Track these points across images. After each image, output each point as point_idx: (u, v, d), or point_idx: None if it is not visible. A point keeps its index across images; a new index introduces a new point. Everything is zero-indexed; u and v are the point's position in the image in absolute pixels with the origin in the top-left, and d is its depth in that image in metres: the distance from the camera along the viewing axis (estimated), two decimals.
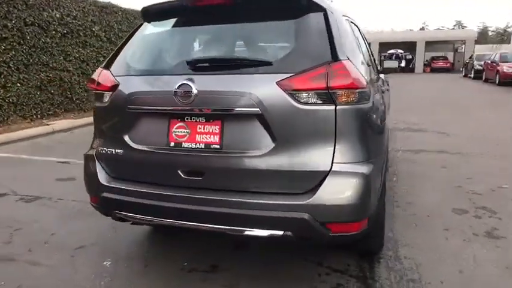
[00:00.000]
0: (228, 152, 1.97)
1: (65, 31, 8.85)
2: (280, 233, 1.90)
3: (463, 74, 24.94)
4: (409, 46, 32.74)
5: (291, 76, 1.88)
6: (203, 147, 2.01)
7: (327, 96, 1.85)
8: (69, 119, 8.77)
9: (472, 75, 21.38)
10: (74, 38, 9.14)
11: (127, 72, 2.26)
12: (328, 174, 1.87)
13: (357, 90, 1.91)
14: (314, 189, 1.88)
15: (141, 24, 2.47)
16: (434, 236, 2.96)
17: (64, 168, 5.14)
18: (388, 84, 4.37)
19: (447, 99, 12.49)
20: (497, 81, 16.60)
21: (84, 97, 9.59)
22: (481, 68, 19.56)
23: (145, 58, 2.36)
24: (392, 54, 25.00)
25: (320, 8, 2.06)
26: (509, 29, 61.90)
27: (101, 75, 2.29)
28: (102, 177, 2.24)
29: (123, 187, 2.16)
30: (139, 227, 3.09)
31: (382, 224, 2.58)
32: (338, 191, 1.88)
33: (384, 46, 31.26)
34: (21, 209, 3.66)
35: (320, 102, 1.86)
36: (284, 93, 1.87)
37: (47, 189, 4.20)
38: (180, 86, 1.97)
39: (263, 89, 1.90)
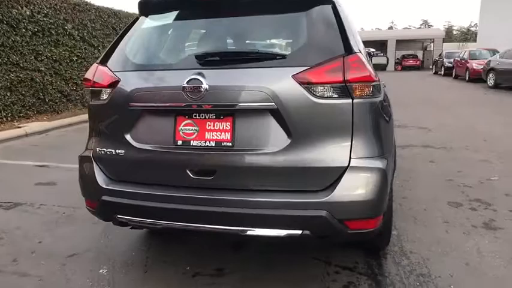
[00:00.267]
0: (241, 149, 1.87)
1: (36, 29, 8.43)
2: (299, 232, 1.82)
3: (433, 71, 25.70)
4: (380, 45, 33.46)
5: (306, 69, 1.80)
6: (214, 145, 1.90)
7: (344, 89, 1.79)
8: (42, 121, 8.36)
9: (443, 73, 22.07)
10: (45, 36, 8.74)
11: (127, 67, 2.11)
12: (346, 169, 1.81)
13: (372, 83, 1.86)
14: (332, 186, 1.81)
15: (137, 18, 2.32)
16: (435, 229, 2.96)
17: (43, 172, 4.87)
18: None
19: (423, 96, 12.79)
20: (467, 78, 17.18)
21: (57, 98, 9.20)
22: (451, 65, 20.19)
23: (148, 53, 2.22)
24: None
25: (328, 1, 2.01)
26: (472, 28, 64.48)
27: (98, 72, 2.14)
28: (101, 179, 2.09)
29: (125, 189, 2.02)
30: (135, 232, 2.94)
31: (391, 219, 2.54)
32: (357, 186, 1.82)
33: None
34: (0, 217, 3.42)
35: (336, 95, 1.80)
36: (300, 87, 1.79)
37: (27, 194, 3.96)
38: (189, 81, 1.86)
39: (278, 82, 1.82)
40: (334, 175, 1.82)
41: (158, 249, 2.77)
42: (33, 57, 8.43)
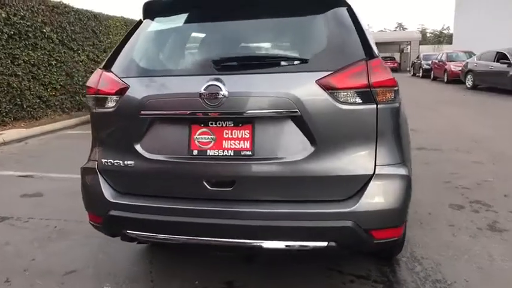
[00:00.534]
0: (262, 158, 1.78)
1: (12, 32, 8.07)
2: (324, 244, 1.74)
3: (412, 73, 26.23)
4: None
5: (330, 74, 1.73)
6: (232, 154, 1.80)
7: (368, 94, 1.73)
8: (19, 129, 8.01)
9: (421, 74, 22.53)
10: (22, 40, 8.37)
11: (137, 73, 1.98)
12: (371, 177, 1.75)
13: (394, 88, 1.81)
14: (357, 195, 1.75)
15: (140, 22, 2.18)
16: (442, 233, 2.94)
17: (27, 182, 4.62)
18: None
19: (405, 97, 12.97)
20: (445, 80, 17.59)
21: (36, 104, 8.84)
22: (429, 67, 20.65)
23: (159, 57, 2.10)
24: None
25: (344, 3, 1.95)
26: (444, 31, 66.39)
27: (103, 78, 2.00)
28: (108, 193, 1.95)
29: (135, 203, 1.89)
30: (134, 245, 2.79)
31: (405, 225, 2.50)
32: (384, 195, 1.76)
33: None
34: None
35: (360, 101, 1.74)
36: (325, 93, 1.72)
37: (13, 207, 3.73)
38: (207, 87, 1.75)
39: (302, 88, 1.74)
40: (359, 183, 1.75)
41: (162, 262, 2.64)
42: (9, 61, 8.06)
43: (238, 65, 1.91)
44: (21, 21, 8.31)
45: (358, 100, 1.74)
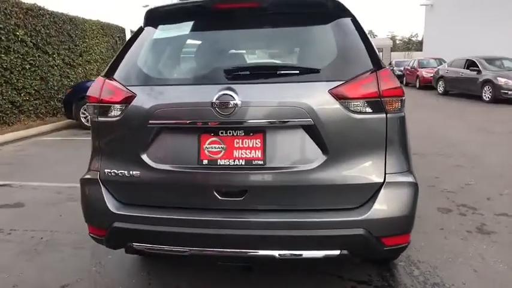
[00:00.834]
0: (273, 167, 1.77)
1: None
2: (337, 252, 1.75)
3: None
4: None
5: (342, 84, 1.75)
6: (243, 163, 1.78)
7: (378, 104, 1.76)
8: None
9: None
10: None
11: (143, 81, 1.93)
12: (382, 186, 1.78)
13: (402, 98, 1.85)
14: (368, 203, 1.77)
15: (141, 29, 2.11)
16: (434, 236, 3.02)
17: (5, 192, 4.41)
18: None
19: None
20: (417, 85, 18.16)
21: (8, 109, 8.50)
22: (401, 73, 21.24)
23: (166, 66, 2.06)
24: None
25: (349, 14, 1.97)
26: (413, 38, 68.70)
27: (107, 86, 1.93)
28: (111, 204, 1.88)
29: (141, 214, 1.84)
30: (128, 256, 2.71)
31: None
32: (394, 202, 1.79)
33: None
34: None
35: (370, 110, 1.77)
36: (337, 102, 1.74)
37: None
38: (220, 96, 1.73)
39: (315, 98, 1.75)
40: (370, 192, 1.78)
41: (159, 273, 2.57)
42: None
43: (249, 75, 1.91)
44: None
45: (369, 109, 1.76)
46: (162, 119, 1.82)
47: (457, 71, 13.97)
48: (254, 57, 2.14)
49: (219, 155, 1.80)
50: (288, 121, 1.75)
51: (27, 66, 8.91)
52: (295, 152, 1.79)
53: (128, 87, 1.89)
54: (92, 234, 2.02)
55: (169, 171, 1.82)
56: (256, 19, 2.00)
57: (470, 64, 13.46)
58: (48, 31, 9.55)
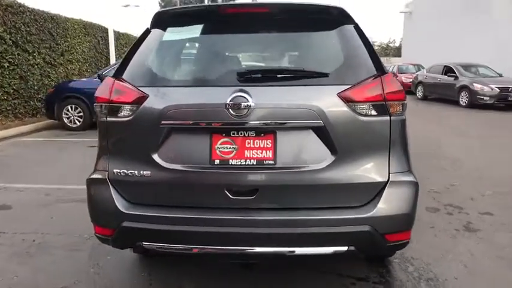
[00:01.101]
0: (284, 167, 1.82)
1: None
2: (344, 248, 1.82)
3: None
4: None
5: (349, 87, 1.84)
6: (255, 163, 1.83)
7: (383, 107, 1.86)
8: None
9: None
10: None
11: (154, 82, 1.95)
12: (386, 184, 1.86)
13: (404, 101, 1.95)
14: (373, 201, 1.85)
15: (148, 30, 2.12)
16: (425, 234, 3.13)
17: None
18: None
19: None
20: None
21: None
22: None
23: (177, 67, 2.10)
24: None
25: (352, 21, 2.06)
26: (391, 44, 70.39)
27: (117, 86, 1.93)
28: (120, 204, 1.88)
29: (151, 214, 1.85)
30: (128, 256, 2.70)
31: None
32: (397, 200, 1.87)
33: None
34: None
35: (376, 113, 1.86)
36: (345, 105, 1.83)
37: None
38: (234, 98, 1.78)
39: (325, 100, 1.83)
40: (375, 190, 1.86)
41: (161, 273, 2.56)
42: None
43: (261, 77, 1.97)
44: None
45: (374, 112, 1.85)
46: (176, 119, 1.84)
47: (435, 76, 14.42)
48: (264, 61, 2.20)
49: (231, 155, 1.83)
50: (299, 122, 1.81)
51: (6, 65, 8.64)
52: (305, 152, 1.85)
53: (139, 88, 1.90)
54: (97, 234, 2.01)
55: (181, 170, 1.84)
56: (267, 24, 2.08)
57: (447, 70, 13.92)
58: (28, 29, 9.30)
